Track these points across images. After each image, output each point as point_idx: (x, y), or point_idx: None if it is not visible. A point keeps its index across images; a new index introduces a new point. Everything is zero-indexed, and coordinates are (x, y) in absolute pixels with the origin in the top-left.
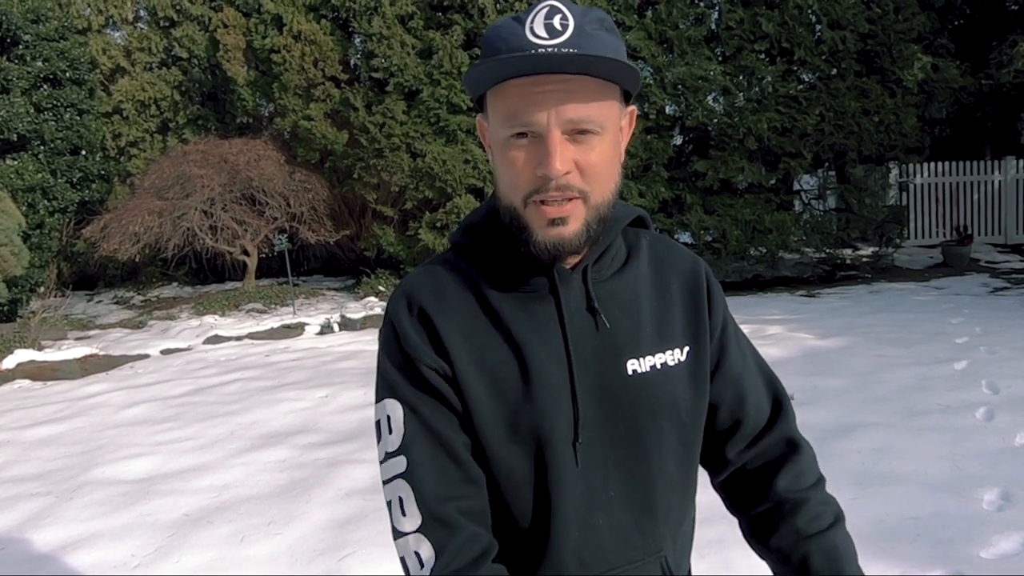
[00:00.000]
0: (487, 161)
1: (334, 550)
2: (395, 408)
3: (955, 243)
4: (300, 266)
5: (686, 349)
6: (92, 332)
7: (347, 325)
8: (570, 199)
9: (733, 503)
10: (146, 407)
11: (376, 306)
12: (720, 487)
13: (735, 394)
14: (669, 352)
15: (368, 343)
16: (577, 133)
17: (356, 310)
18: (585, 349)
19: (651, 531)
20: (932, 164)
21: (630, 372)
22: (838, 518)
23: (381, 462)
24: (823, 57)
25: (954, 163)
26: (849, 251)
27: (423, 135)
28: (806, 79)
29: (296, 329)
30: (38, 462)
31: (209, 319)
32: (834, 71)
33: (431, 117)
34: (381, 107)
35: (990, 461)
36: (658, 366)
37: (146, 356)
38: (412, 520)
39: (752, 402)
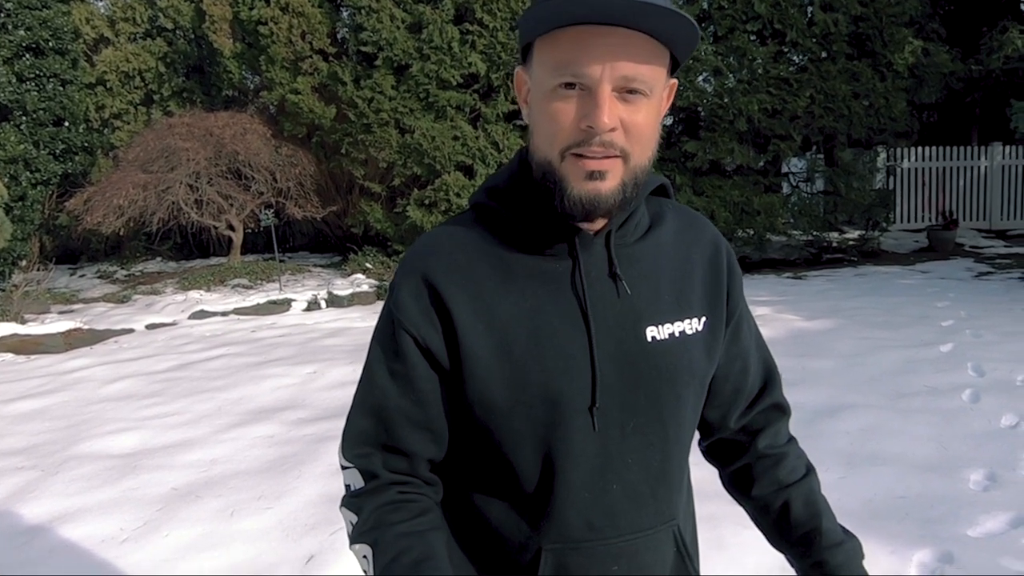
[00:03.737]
0: (476, 139)
1: (326, 524)
2: (366, 361)
3: (940, 228)
4: (286, 242)
5: (703, 319)
6: (76, 306)
7: (334, 302)
8: (610, 157)
9: (713, 457)
10: (131, 382)
11: (363, 283)
12: (704, 448)
13: (742, 366)
14: (687, 321)
15: (355, 320)
16: (627, 92)
17: (343, 287)
18: (605, 314)
19: (665, 499)
20: (919, 149)
21: (649, 339)
22: (810, 469)
23: None
24: (814, 39)
25: (941, 148)
26: (836, 234)
27: (412, 111)
28: (797, 61)
29: (282, 305)
30: (23, 436)
31: (194, 294)
32: (825, 54)
33: (420, 92)
34: (370, 82)
35: (976, 442)
36: (676, 334)
37: (130, 331)
38: (345, 460)
39: (752, 373)
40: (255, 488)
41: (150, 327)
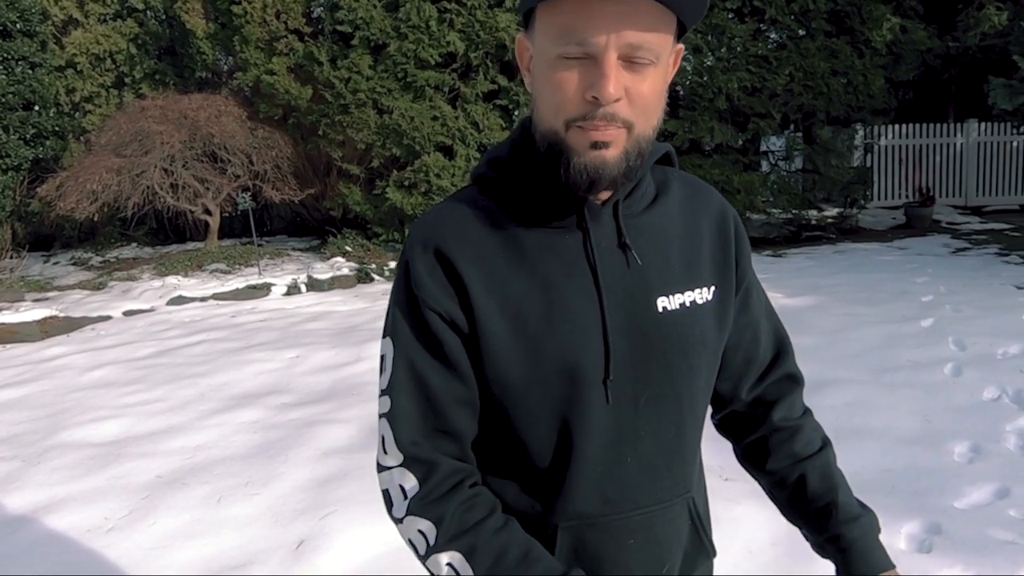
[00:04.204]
0: (456, 119)
1: (315, 509)
2: (391, 348)
3: (917, 204)
4: (263, 226)
5: (712, 288)
6: (51, 294)
7: (314, 286)
8: (614, 127)
9: (727, 431)
10: (111, 369)
11: (343, 267)
12: (717, 422)
13: (753, 336)
14: (697, 290)
15: (337, 304)
16: (632, 60)
17: (323, 271)
18: (615, 286)
19: (680, 471)
20: (897, 126)
21: (660, 309)
22: (826, 441)
23: (379, 397)
24: (793, 17)
25: (918, 125)
26: (815, 212)
27: (390, 91)
28: (776, 39)
29: (262, 290)
30: (2, 426)
31: (172, 280)
32: (804, 31)
33: (398, 72)
34: (346, 62)
35: (960, 415)
36: (687, 304)
37: (108, 318)
38: (393, 457)
39: (763, 342)
40: (242, 474)
41: (128, 314)
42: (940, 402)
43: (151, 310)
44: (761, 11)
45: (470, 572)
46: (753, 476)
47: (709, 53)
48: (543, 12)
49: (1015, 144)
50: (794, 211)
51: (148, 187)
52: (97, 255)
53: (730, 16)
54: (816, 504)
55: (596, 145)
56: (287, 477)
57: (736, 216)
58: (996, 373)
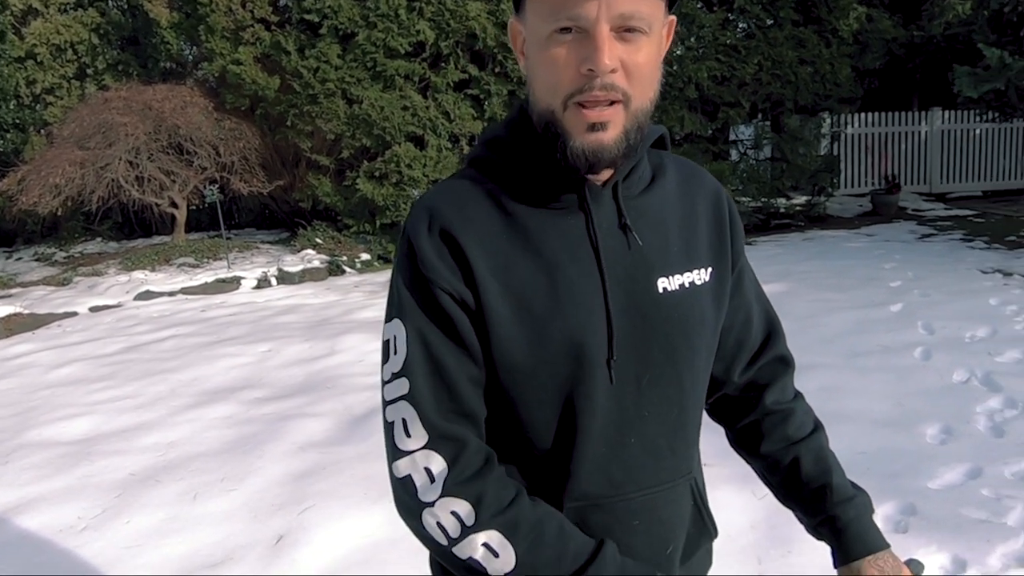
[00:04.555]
0: (426, 108)
1: (293, 504)
2: (402, 329)
3: (884, 192)
4: (231, 219)
5: (710, 270)
6: (14, 290)
7: (285, 279)
8: (612, 103)
9: (719, 416)
10: (79, 366)
11: (314, 259)
12: (709, 406)
13: (745, 317)
14: (696, 272)
15: (308, 297)
16: (625, 31)
17: (293, 263)
18: (617, 267)
19: (683, 452)
20: (863, 115)
21: (660, 290)
22: (818, 424)
23: (386, 382)
24: (761, 6)
25: (884, 114)
26: (783, 200)
27: (359, 80)
28: (744, 27)
29: (231, 283)
30: None
31: (138, 274)
32: (772, 20)
33: (367, 62)
34: (314, 51)
35: (931, 398)
36: (686, 285)
37: (74, 314)
38: (417, 439)
39: (755, 324)
40: (217, 470)
41: (94, 309)
42: (911, 385)
43: (118, 305)
44: (730, 0)
45: (509, 549)
46: (746, 460)
47: (679, 42)
48: None
49: (978, 132)
50: (763, 199)
51: (112, 180)
52: (61, 250)
53: (699, 5)
54: (810, 486)
55: (593, 127)
56: (263, 472)
57: (730, 198)
58: (965, 356)
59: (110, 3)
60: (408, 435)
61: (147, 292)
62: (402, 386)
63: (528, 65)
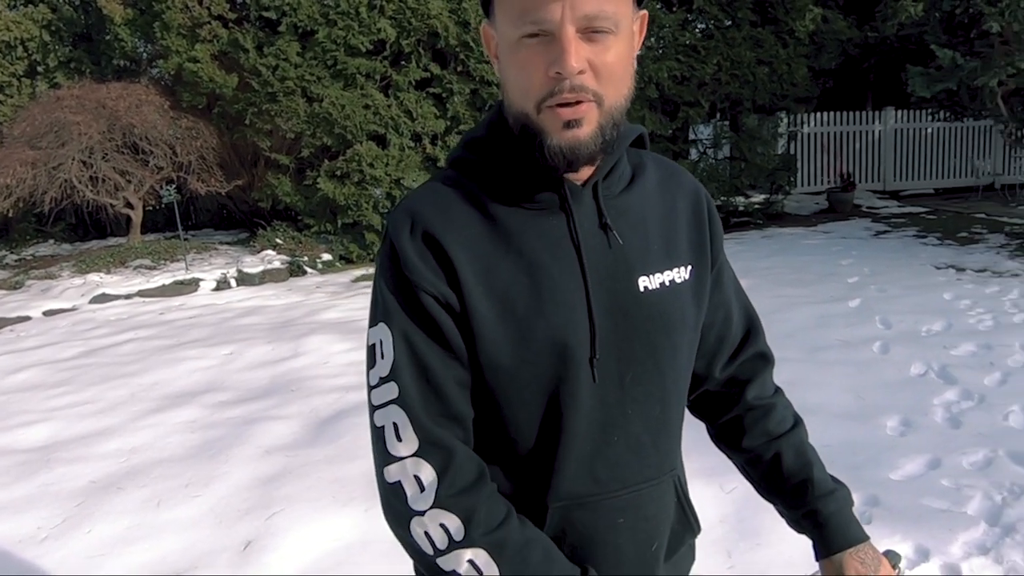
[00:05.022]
0: (388, 107)
1: (261, 508)
2: (388, 333)
3: (839, 190)
4: (189, 220)
5: (690, 268)
6: None
7: (245, 280)
8: (584, 102)
9: (701, 413)
10: (35, 371)
11: (274, 260)
12: (690, 403)
13: (725, 314)
14: (676, 270)
15: (270, 298)
16: (592, 31)
17: (253, 264)
18: (599, 266)
19: (666, 449)
20: (819, 114)
21: (641, 289)
22: (798, 419)
23: (373, 387)
24: (719, 6)
25: (839, 113)
26: (742, 198)
27: (319, 79)
28: (703, 28)
29: (190, 285)
30: None
31: (94, 277)
32: (730, 21)
33: (328, 60)
34: (273, 48)
35: (890, 391)
36: (667, 283)
37: (27, 318)
38: (409, 445)
39: (735, 321)
40: (181, 476)
41: (48, 313)
42: (871, 379)
43: (73, 309)
44: (689, 1)
45: (494, 568)
46: (727, 455)
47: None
48: None
49: (930, 131)
50: (723, 198)
51: (66, 180)
52: (12, 253)
53: (659, 6)
54: (792, 481)
55: (569, 124)
56: (229, 477)
57: (709, 196)
58: (922, 349)
59: None
60: (400, 439)
61: (103, 295)
62: (391, 390)
63: (500, 68)
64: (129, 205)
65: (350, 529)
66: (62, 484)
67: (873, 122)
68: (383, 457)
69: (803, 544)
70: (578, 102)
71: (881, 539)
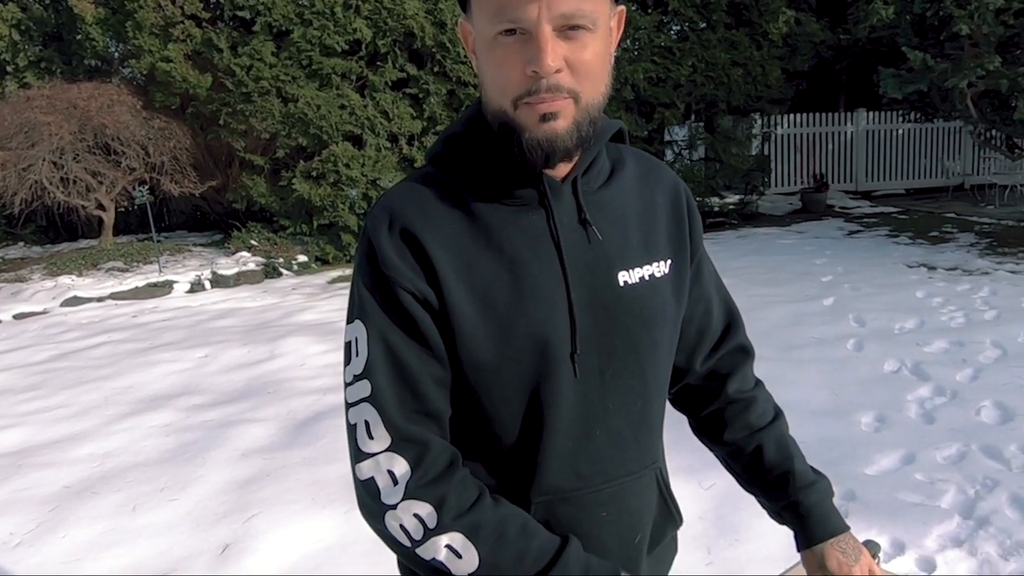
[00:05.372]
0: (364, 107)
1: (238, 511)
2: (364, 331)
3: (813, 190)
4: (162, 221)
5: (669, 262)
6: None
7: (220, 282)
8: (560, 99)
9: (683, 406)
10: (5, 376)
11: (249, 261)
12: (672, 396)
13: (705, 308)
14: (656, 264)
15: (245, 300)
16: (568, 29)
17: (228, 266)
18: (578, 262)
19: (647, 442)
20: (792, 115)
21: (621, 284)
22: (778, 412)
23: (348, 384)
24: (694, 9)
25: (812, 115)
26: (717, 199)
27: (294, 79)
28: (678, 29)
29: (164, 288)
30: None
31: (65, 280)
32: (705, 23)
33: (303, 60)
34: (248, 48)
35: (864, 388)
36: (646, 277)
37: None
38: (380, 441)
39: (715, 314)
40: (156, 479)
41: (19, 317)
42: (845, 376)
43: (44, 312)
44: (664, 3)
45: (472, 550)
46: (709, 448)
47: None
48: None
49: (901, 132)
50: (698, 198)
51: (36, 182)
52: None
53: (635, 7)
54: (773, 473)
55: (545, 117)
56: (206, 480)
57: (688, 191)
58: (895, 347)
59: None
60: (371, 437)
61: (75, 298)
62: (364, 388)
63: (478, 65)
64: (101, 207)
65: (329, 531)
66: (35, 489)
67: (846, 123)
68: (356, 454)
69: (783, 539)
70: (554, 100)
71: (858, 533)
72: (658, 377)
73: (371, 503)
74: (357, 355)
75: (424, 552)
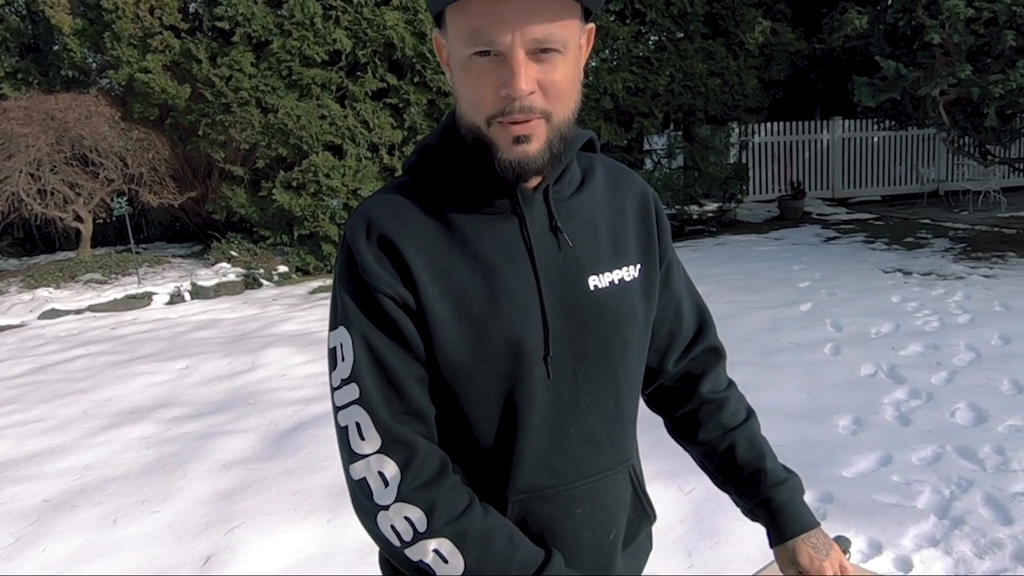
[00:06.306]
0: (344, 117)
1: (220, 523)
2: (348, 336)
3: (790, 197)
4: (140, 233)
5: (638, 266)
6: None
7: (199, 293)
8: (533, 119)
9: (658, 407)
10: None
11: (229, 272)
12: (647, 397)
13: (676, 309)
14: (625, 268)
15: (225, 311)
16: (540, 52)
17: (208, 277)
18: (550, 267)
19: (620, 441)
20: (769, 124)
21: (592, 288)
22: (751, 411)
23: (335, 388)
24: (672, 19)
25: (788, 123)
26: (696, 207)
27: (274, 89)
28: (656, 40)
29: (143, 299)
30: None
31: (42, 292)
32: (682, 33)
33: (283, 70)
34: (227, 59)
35: (841, 391)
36: (616, 281)
37: None
38: (371, 443)
39: (686, 316)
40: (137, 492)
41: None
42: (823, 379)
43: (21, 325)
44: (642, 13)
45: (459, 557)
46: (684, 448)
47: (594, 54)
48: (452, 14)
49: (876, 140)
50: (677, 207)
51: (13, 194)
52: None
53: (612, 18)
54: (746, 471)
55: (518, 139)
56: (187, 492)
57: (656, 197)
58: (871, 351)
59: (8, 9)
60: (362, 438)
61: (52, 310)
62: (352, 391)
63: (452, 79)
64: (79, 218)
65: (311, 541)
66: (14, 503)
67: (821, 131)
68: (348, 456)
69: (762, 541)
70: (527, 120)
71: (835, 534)
72: (630, 377)
73: (365, 503)
74: (343, 360)
75: (412, 554)
